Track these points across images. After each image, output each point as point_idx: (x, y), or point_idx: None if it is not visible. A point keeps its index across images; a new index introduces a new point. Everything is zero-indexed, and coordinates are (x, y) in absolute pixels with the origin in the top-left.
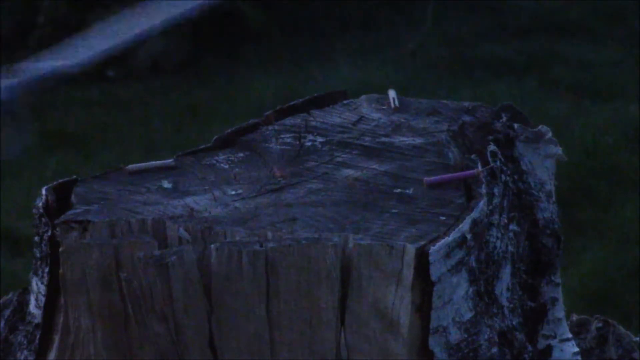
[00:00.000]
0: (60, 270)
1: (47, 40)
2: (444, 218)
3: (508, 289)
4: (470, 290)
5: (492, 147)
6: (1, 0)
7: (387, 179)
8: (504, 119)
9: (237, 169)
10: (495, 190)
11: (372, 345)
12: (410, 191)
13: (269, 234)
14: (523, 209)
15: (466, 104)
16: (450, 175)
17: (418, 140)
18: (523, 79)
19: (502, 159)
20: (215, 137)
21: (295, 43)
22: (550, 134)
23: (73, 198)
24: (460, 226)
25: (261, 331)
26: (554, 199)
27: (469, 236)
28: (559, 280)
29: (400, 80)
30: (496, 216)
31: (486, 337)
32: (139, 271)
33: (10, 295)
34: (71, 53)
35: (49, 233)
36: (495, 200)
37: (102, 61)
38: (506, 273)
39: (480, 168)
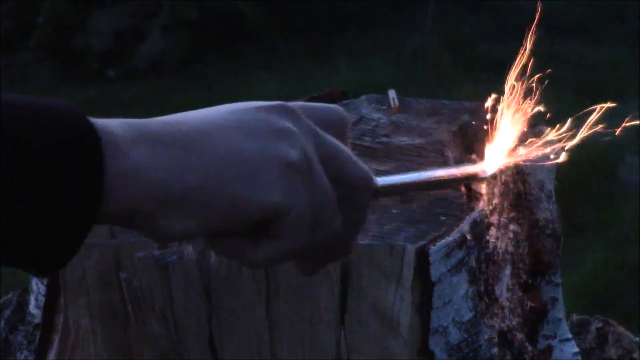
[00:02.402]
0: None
1: (47, 40)
2: (444, 218)
3: (508, 289)
4: (470, 290)
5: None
6: (1, 0)
7: None
8: None
9: None
10: (495, 190)
11: (372, 345)
12: None
13: None
14: (523, 209)
15: (466, 104)
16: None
17: (418, 140)
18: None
19: None
20: None
21: (295, 43)
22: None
23: None
24: (460, 226)
25: (261, 331)
26: (554, 199)
27: (469, 236)
28: (559, 280)
29: (400, 80)
30: (496, 216)
31: (486, 337)
32: (139, 271)
33: (10, 295)
34: None
35: None
36: (495, 200)
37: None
38: (506, 273)
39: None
